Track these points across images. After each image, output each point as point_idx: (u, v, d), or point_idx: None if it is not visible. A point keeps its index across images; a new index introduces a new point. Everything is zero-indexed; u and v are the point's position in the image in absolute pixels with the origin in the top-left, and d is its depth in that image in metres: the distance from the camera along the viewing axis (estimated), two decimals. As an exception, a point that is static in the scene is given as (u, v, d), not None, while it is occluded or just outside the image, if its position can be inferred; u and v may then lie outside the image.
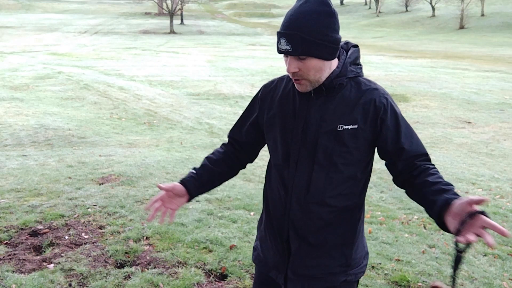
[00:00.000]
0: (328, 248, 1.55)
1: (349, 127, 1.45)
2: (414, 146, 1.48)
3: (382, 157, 1.54)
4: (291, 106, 1.53)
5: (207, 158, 1.75)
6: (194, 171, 1.69)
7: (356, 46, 1.55)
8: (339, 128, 1.45)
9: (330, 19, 1.39)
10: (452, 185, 1.38)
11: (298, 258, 1.57)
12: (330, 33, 1.39)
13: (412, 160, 1.47)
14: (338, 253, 1.56)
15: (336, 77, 1.46)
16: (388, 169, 1.55)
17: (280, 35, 1.40)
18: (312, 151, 1.48)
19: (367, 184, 1.60)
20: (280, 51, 1.42)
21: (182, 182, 1.65)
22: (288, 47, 1.38)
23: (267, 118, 1.59)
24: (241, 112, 1.81)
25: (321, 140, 1.47)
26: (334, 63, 1.47)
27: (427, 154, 1.51)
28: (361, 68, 1.54)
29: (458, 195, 1.32)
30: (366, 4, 71.83)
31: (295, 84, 1.48)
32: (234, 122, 1.80)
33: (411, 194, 1.49)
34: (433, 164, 1.50)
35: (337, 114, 1.46)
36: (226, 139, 1.81)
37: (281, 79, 1.62)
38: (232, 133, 1.78)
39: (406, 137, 1.48)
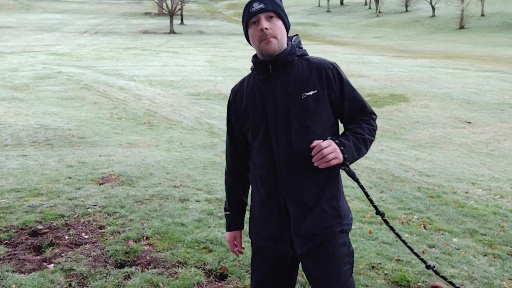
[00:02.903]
0: (320, 204, 1.77)
1: (311, 93, 1.74)
2: (353, 103, 1.81)
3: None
4: (258, 94, 1.80)
5: (228, 199, 2.02)
6: (228, 212, 2.02)
7: (296, 35, 1.88)
8: (303, 96, 1.74)
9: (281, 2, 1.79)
10: (357, 133, 1.77)
11: (297, 221, 1.77)
12: (284, 9, 1.78)
13: (353, 113, 1.82)
14: (329, 207, 1.79)
15: (288, 54, 1.76)
16: (340, 120, 1.87)
17: (253, 1, 1.71)
18: (286, 122, 1.74)
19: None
20: (253, 12, 1.70)
21: (230, 228, 2.02)
22: (261, 5, 1.70)
23: (242, 112, 1.84)
24: None
25: (291, 111, 1.74)
26: (286, 43, 1.77)
27: (365, 107, 1.84)
28: (305, 50, 1.85)
29: (343, 138, 1.72)
30: (366, 4, 71.75)
31: (264, 45, 1.72)
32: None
33: None
34: (369, 115, 1.83)
35: (297, 86, 1.75)
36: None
37: (243, 80, 1.90)
38: (232, 153, 1.96)
39: (349, 95, 1.79)
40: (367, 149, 1.80)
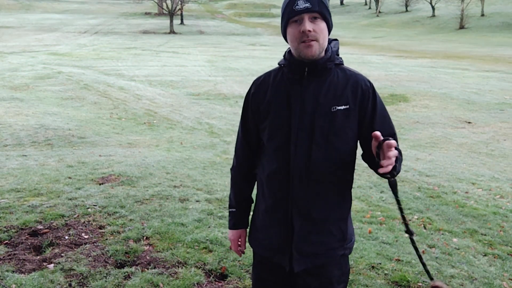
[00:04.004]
0: (328, 224, 1.68)
1: (342, 107, 1.62)
2: (385, 126, 1.67)
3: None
4: (285, 94, 1.66)
5: (235, 195, 1.91)
6: (234, 210, 1.91)
7: (336, 40, 1.75)
8: (333, 109, 1.62)
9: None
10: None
11: (301, 237, 1.68)
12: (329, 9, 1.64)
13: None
14: (336, 228, 1.70)
15: (327, 60, 1.63)
16: (360, 144, 1.72)
17: None
18: (310, 133, 1.62)
19: (355, 160, 1.75)
20: (297, 11, 1.57)
21: (235, 227, 1.91)
22: (307, 5, 1.56)
23: (263, 108, 1.70)
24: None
25: (317, 122, 1.61)
26: (327, 42, 1.65)
27: (394, 134, 1.70)
28: (341, 58, 1.72)
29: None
30: (366, 4, 71.77)
31: (304, 48, 1.58)
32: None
33: (365, 158, 1.72)
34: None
35: (330, 97, 1.63)
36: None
37: (268, 73, 1.76)
38: (244, 148, 1.84)
39: (380, 118, 1.67)
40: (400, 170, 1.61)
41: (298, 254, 1.69)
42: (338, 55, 1.70)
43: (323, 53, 1.62)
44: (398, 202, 1.61)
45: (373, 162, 1.57)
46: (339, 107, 1.61)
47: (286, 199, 1.67)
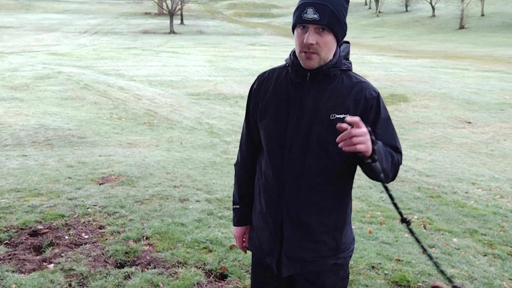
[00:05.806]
0: (320, 232, 1.63)
1: (341, 116, 1.53)
2: (385, 138, 1.57)
3: None
4: (285, 95, 1.61)
5: (238, 192, 1.87)
6: (237, 206, 1.88)
7: (347, 42, 1.67)
8: (332, 117, 1.54)
9: (347, 5, 1.55)
10: (387, 148, 1.55)
11: (291, 242, 1.65)
12: (345, 17, 1.55)
13: None
14: (329, 238, 1.65)
15: (332, 67, 1.56)
16: None
17: (307, 4, 1.48)
18: (305, 139, 1.56)
19: (355, 171, 1.67)
20: (304, 20, 1.49)
21: (239, 223, 1.88)
22: (315, 16, 1.47)
23: (262, 107, 1.66)
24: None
25: (314, 129, 1.55)
26: (330, 57, 1.57)
27: (397, 148, 1.62)
28: (351, 63, 1.64)
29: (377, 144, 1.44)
30: (366, 4, 71.80)
31: (303, 59, 1.53)
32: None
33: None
34: (397, 154, 1.60)
35: (330, 104, 1.56)
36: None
37: (273, 70, 1.71)
38: (248, 141, 1.80)
39: (381, 130, 1.58)
40: (390, 171, 1.54)
41: (287, 259, 1.66)
42: (348, 59, 1.64)
43: (330, 58, 1.56)
44: (390, 194, 1.53)
45: (366, 170, 1.51)
46: (339, 116, 1.54)
47: (277, 204, 1.64)
